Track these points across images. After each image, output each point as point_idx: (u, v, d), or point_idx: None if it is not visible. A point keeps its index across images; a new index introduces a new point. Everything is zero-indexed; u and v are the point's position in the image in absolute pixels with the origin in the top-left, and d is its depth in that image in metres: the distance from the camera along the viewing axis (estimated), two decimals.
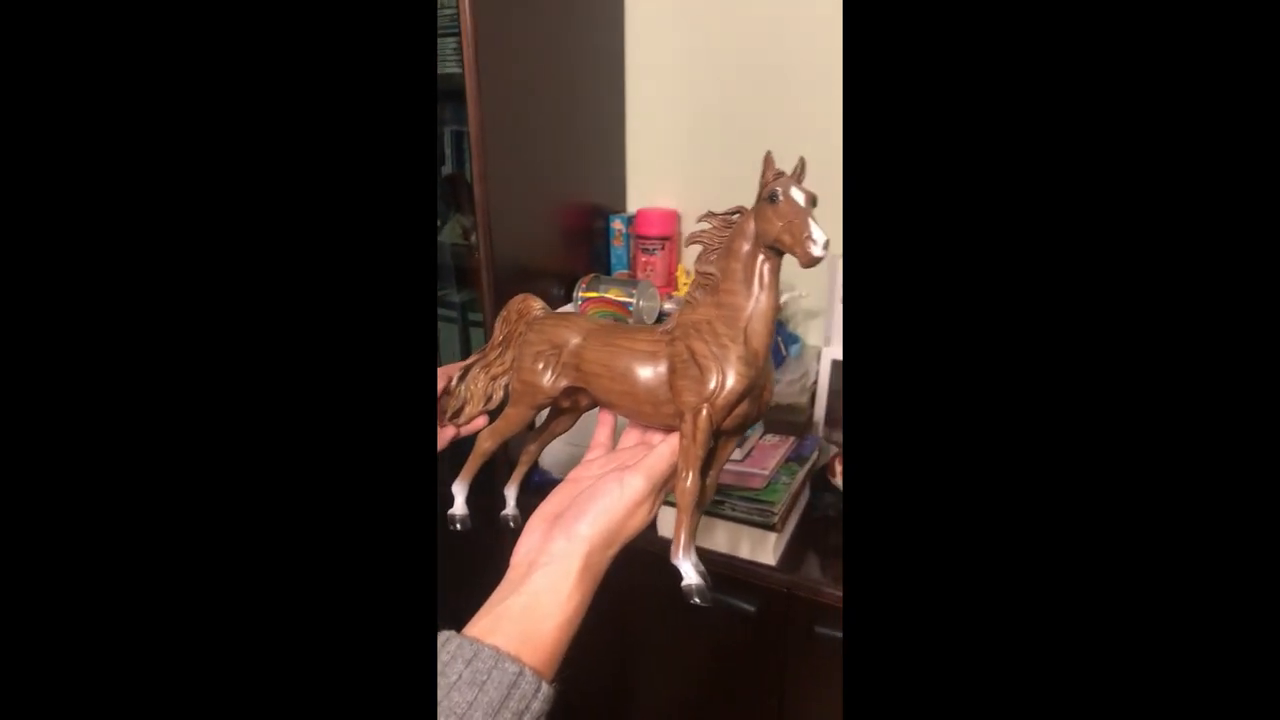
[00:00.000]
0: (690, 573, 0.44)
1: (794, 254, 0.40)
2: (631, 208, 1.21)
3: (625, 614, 0.94)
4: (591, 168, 1.16)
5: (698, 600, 0.43)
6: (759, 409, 0.46)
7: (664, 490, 0.46)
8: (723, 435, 0.46)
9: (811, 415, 1.03)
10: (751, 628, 0.83)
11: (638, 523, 0.45)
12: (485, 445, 0.53)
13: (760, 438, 0.91)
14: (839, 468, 0.87)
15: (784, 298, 0.95)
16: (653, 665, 0.95)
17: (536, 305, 0.53)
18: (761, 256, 0.42)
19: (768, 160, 0.43)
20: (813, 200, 0.40)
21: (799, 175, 0.42)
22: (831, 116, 1.04)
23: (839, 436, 1.01)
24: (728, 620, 0.84)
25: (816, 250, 0.39)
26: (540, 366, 0.49)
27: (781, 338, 0.98)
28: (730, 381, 0.42)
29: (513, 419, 0.51)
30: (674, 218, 1.16)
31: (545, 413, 0.54)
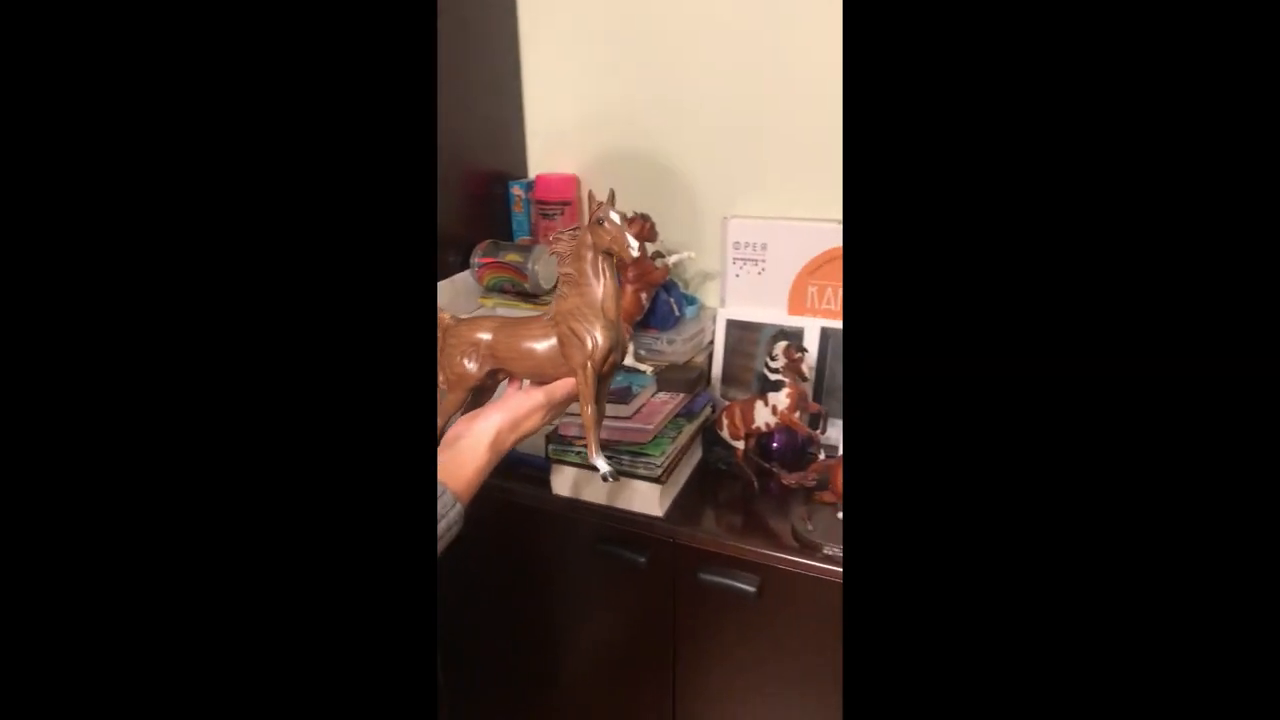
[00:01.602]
0: (602, 464, 0.66)
1: (621, 257, 0.62)
2: (532, 173, 1.21)
3: (544, 574, 0.96)
4: (491, 134, 1.15)
5: (609, 479, 0.67)
6: (621, 356, 0.68)
7: (557, 408, 0.66)
8: (601, 378, 0.66)
9: (709, 373, 1.06)
10: (641, 577, 0.86)
11: (534, 422, 0.64)
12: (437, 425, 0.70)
13: (652, 395, 0.93)
14: (726, 420, 0.90)
15: (674, 258, 0.96)
16: (566, 616, 0.98)
17: (446, 316, 0.68)
18: (600, 259, 0.63)
19: (592, 198, 0.64)
20: (623, 216, 0.62)
21: (613, 202, 0.62)
22: (726, 79, 1.05)
23: (735, 393, 1.04)
24: (619, 571, 0.86)
25: (634, 253, 0.61)
26: (466, 361, 0.66)
27: (674, 298, 1.00)
28: (600, 343, 0.63)
29: (452, 402, 0.67)
30: (574, 182, 1.16)
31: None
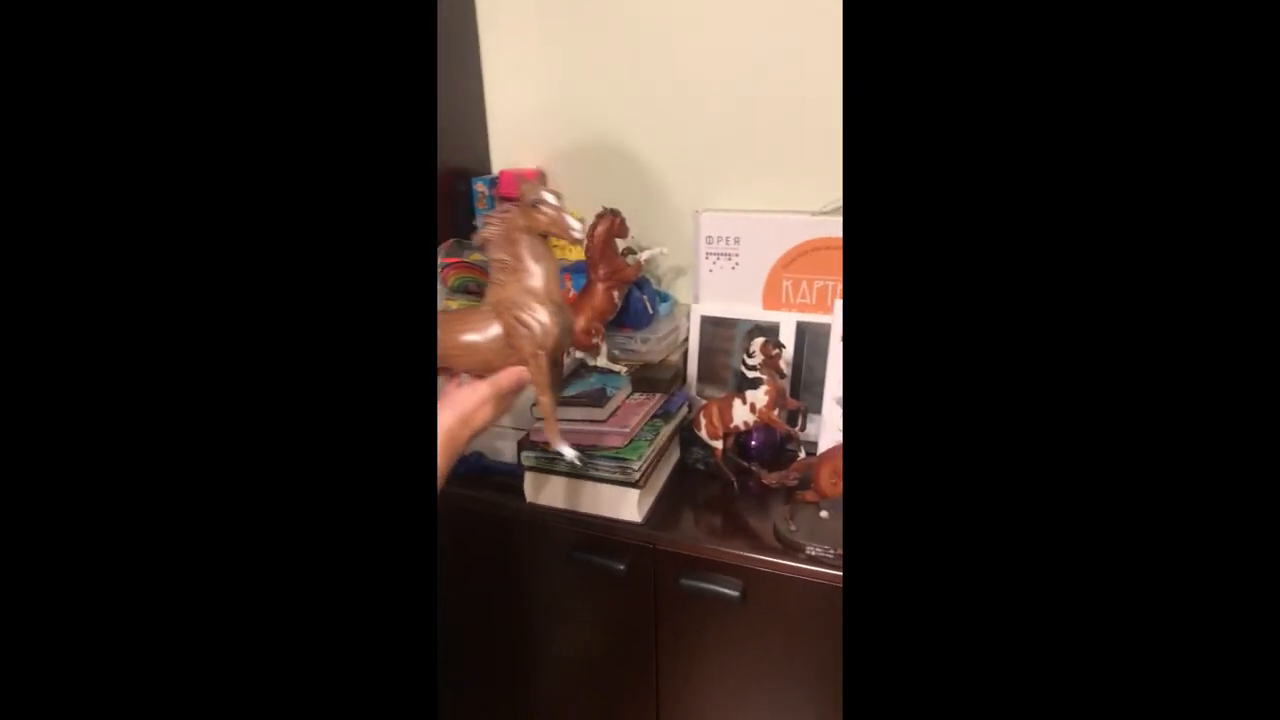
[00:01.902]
0: (567, 450, 0.67)
1: (564, 238, 0.60)
2: (495, 169, 1.17)
3: (520, 584, 0.93)
4: (450, 129, 1.11)
5: (578, 463, 0.70)
6: (570, 339, 0.69)
7: (505, 398, 0.62)
8: (554, 364, 0.65)
9: (684, 372, 1.03)
10: (621, 585, 0.83)
11: (485, 416, 0.60)
12: None
13: (627, 397, 0.91)
14: (703, 420, 0.87)
15: (645, 255, 0.93)
16: (545, 626, 0.95)
17: None
18: (536, 241, 0.60)
19: (526, 178, 0.65)
20: (558, 195, 0.60)
21: (545, 182, 0.64)
22: (697, 69, 1.02)
23: (711, 391, 1.02)
24: (598, 579, 0.84)
25: (576, 234, 0.59)
26: None
27: (647, 295, 0.97)
28: (550, 328, 0.61)
29: None
30: (537, 178, 1.13)
31: None
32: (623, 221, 0.89)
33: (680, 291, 1.10)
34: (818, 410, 0.94)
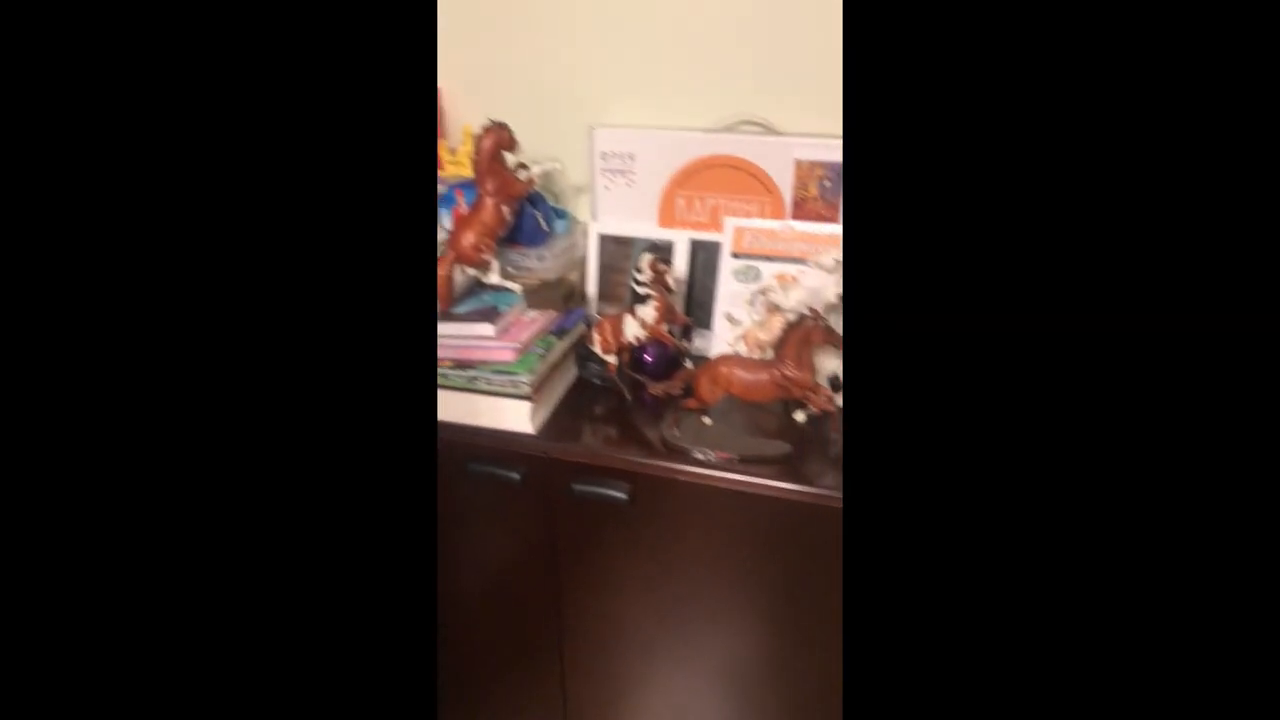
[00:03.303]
0: None
1: None
2: None
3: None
4: None
5: None
6: None
7: None
8: None
9: (584, 290, 1.05)
10: (517, 494, 0.86)
11: None
12: None
13: (521, 314, 0.92)
14: (597, 336, 0.89)
15: (537, 170, 0.93)
16: (446, 538, 0.98)
17: None
18: None
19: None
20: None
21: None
22: None
23: (612, 309, 1.03)
24: (495, 489, 0.87)
25: None
26: None
27: (541, 212, 0.97)
28: None
29: None
30: (438, 94, 1.08)
31: None
32: (511, 135, 0.87)
33: (580, 210, 1.10)
34: (709, 326, 0.98)
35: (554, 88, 1.06)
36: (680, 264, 0.99)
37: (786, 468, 0.77)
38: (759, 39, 0.94)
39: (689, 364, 0.92)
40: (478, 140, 0.86)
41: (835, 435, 0.82)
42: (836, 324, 0.89)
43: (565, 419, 0.89)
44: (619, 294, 1.05)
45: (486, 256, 0.88)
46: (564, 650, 0.98)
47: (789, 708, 0.91)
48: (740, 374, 0.81)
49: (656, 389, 0.87)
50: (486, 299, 0.90)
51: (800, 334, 0.78)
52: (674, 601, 0.88)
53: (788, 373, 0.79)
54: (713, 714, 0.95)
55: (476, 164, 0.86)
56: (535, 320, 0.90)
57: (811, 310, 0.79)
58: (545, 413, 0.87)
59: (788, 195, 0.94)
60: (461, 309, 0.88)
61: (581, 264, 1.04)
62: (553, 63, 1.05)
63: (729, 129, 0.96)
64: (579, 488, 0.83)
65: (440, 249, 0.88)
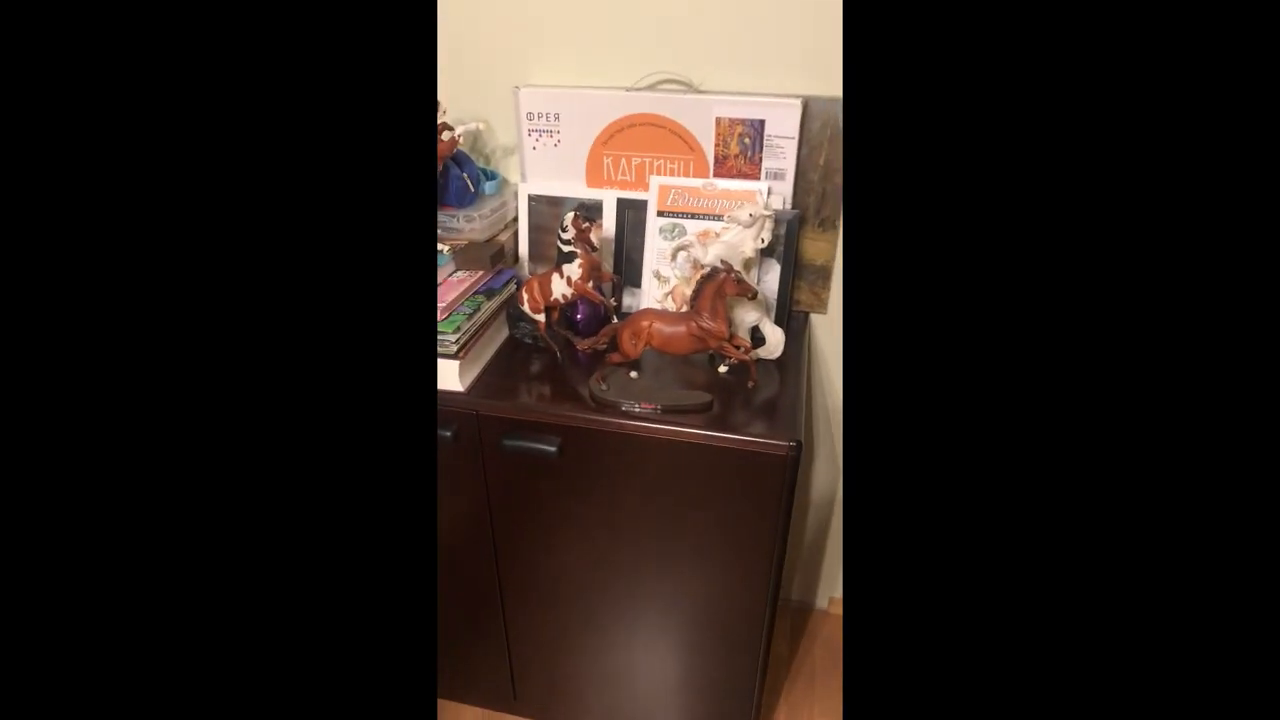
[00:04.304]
0: None
1: None
2: None
3: None
4: None
5: None
6: None
7: None
8: None
9: (516, 250, 1.06)
10: (450, 451, 0.88)
11: None
12: None
13: (451, 275, 0.93)
14: (525, 295, 0.91)
15: (461, 129, 0.93)
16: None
17: None
18: None
19: None
20: None
21: None
22: None
23: (543, 269, 1.05)
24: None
25: None
26: None
27: (468, 173, 0.97)
28: None
29: None
30: None
31: None
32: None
33: (510, 171, 1.11)
34: (637, 284, 1.00)
35: (477, 48, 1.06)
36: (609, 223, 1.01)
37: (712, 417, 0.81)
38: None
39: (616, 321, 0.94)
40: None
41: (752, 384, 0.86)
42: (752, 278, 0.92)
43: (497, 377, 0.91)
44: (550, 254, 1.06)
45: None
46: (505, 600, 1.02)
47: (720, 643, 0.96)
48: (660, 327, 0.84)
49: (583, 345, 0.89)
50: None
51: (714, 286, 0.81)
52: (608, 547, 0.92)
53: (704, 324, 0.82)
54: (648, 651, 1.00)
55: None
56: (462, 281, 0.91)
57: (724, 263, 0.82)
58: (475, 371, 0.89)
59: (710, 153, 0.96)
60: None
61: (513, 225, 1.05)
62: (476, 23, 1.05)
63: (651, 88, 0.98)
64: (510, 443, 0.85)
65: None
